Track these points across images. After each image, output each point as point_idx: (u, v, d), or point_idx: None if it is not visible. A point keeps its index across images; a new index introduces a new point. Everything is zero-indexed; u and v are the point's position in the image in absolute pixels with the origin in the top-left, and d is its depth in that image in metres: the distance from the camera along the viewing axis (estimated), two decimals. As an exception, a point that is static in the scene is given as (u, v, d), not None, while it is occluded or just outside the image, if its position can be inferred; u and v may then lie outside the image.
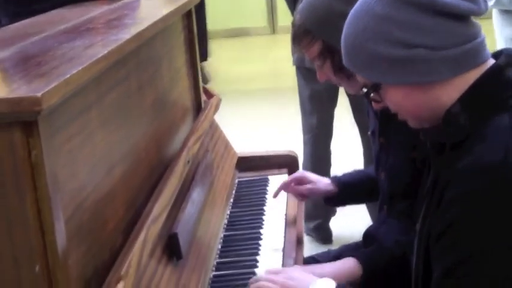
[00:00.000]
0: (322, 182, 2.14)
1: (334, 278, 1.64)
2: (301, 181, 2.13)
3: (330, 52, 1.82)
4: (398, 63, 1.32)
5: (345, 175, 2.19)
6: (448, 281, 1.28)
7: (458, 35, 1.32)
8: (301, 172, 2.21)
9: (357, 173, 2.22)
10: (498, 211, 1.22)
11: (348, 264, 1.75)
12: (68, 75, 1.15)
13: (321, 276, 1.60)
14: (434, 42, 1.31)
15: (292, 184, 2.14)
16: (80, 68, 1.20)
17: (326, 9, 1.82)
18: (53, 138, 1.16)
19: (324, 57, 1.86)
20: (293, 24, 1.92)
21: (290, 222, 2.09)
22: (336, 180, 2.14)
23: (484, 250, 1.23)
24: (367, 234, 2.09)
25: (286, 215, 2.12)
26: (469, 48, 1.32)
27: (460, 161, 1.27)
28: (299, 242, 2.01)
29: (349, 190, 2.14)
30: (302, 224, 2.16)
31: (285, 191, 2.16)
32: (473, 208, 1.24)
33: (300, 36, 1.88)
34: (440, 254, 1.30)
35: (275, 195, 2.16)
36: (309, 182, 2.13)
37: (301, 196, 2.18)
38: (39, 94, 1.05)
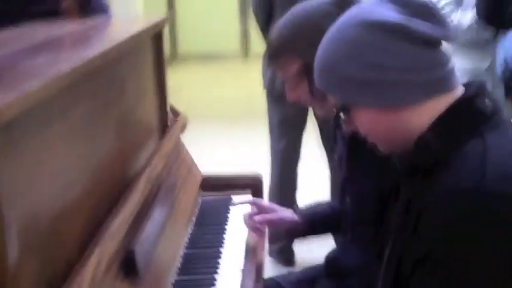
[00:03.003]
0: (285, 212, 2.10)
1: None
2: (261, 211, 2.10)
3: (308, 72, 1.74)
4: (368, 85, 1.34)
5: (307, 208, 2.17)
6: None
7: (427, 61, 1.34)
8: (260, 201, 2.17)
9: (319, 205, 2.19)
10: (476, 237, 1.23)
11: None
12: (27, 90, 1.16)
13: None
14: (402, 66, 1.33)
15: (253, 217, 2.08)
16: (40, 83, 1.21)
17: (308, 27, 1.77)
18: (9, 152, 1.16)
19: (300, 77, 1.81)
20: (270, 41, 1.86)
21: (251, 242, 2.10)
22: (299, 212, 2.12)
23: (464, 276, 1.24)
24: (329, 258, 2.09)
25: (247, 234, 2.13)
26: (438, 74, 1.35)
27: (434, 186, 1.29)
28: (259, 262, 2.01)
29: (312, 223, 2.10)
30: (263, 244, 2.16)
31: (246, 224, 2.10)
32: (450, 234, 1.24)
33: (278, 54, 1.83)
34: (419, 281, 1.30)
35: (235, 205, 2.15)
36: (270, 210, 2.10)
37: (261, 232, 2.13)
38: (-4, 106, 1.06)
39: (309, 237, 2.19)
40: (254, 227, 2.09)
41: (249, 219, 2.08)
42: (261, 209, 2.10)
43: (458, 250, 1.24)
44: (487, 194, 1.23)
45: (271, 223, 2.10)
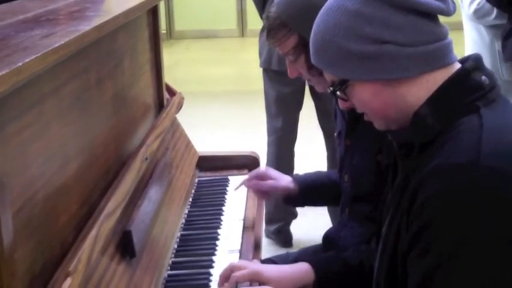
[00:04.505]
0: (284, 179, 2.10)
1: (287, 280, 1.63)
2: (263, 177, 2.09)
3: (305, 47, 1.72)
4: (367, 59, 1.32)
5: (306, 175, 2.16)
6: (426, 285, 1.26)
7: (427, 34, 1.33)
8: (263, 168, 2.16)
9: (319, 174, 2.19)
10: (470, 211, 1.21)
11: (302, 269, 1.73)
12: (20, 64, 1.11)
13: (274, 275, 1.62)
14: (403, 39, 1.31)
15: (254, 180, 2.10)
16: (33, 57, 1.16)
17: (304, 2, 1.77)
18: (3, 128, 1.13)
19: (298, 51, 1.81)
20: (268, 16, 1.86)
21: (248, 224, 2.07)
22: (298, 179, 2.11)
23: (459, 251, 1.22)
24: (327, 237, 2.08)
25: (244, 216, 2.10)
26: (437, 47, 1.33)
27: (429, 162, 1.27)
28: (257, 243, 1.99)
29: (309, 190, 2.10)
30: (261, 225, 2.13)
31: (246, 186, 2.11)
32: (445, 208, 1.22)
33: (276, 29, 1.83)
34: (416, 258, 1.28)
35: (236, 188, 2.12)
36: (271, 178, 2.09)
37: (262, 193, 2.13)
38: (-13, 82, 1.02)
39: (305, 205, 2.24)
40: (254, 189, 2.12)
41: (249, 182, 2.09)
42: (261, 177, 2.09)
43: (450, 225, 1.22)
44: (481, 169, 1.21)
45: (268, 188, 2.10)
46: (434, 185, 1.24)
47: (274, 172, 2.13)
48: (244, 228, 2.04)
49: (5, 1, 2.03)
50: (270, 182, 2.09)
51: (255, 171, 2.13)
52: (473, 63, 1.36)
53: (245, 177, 2.16)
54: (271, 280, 1.63)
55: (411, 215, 1.29)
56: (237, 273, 1.62)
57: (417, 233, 1.27)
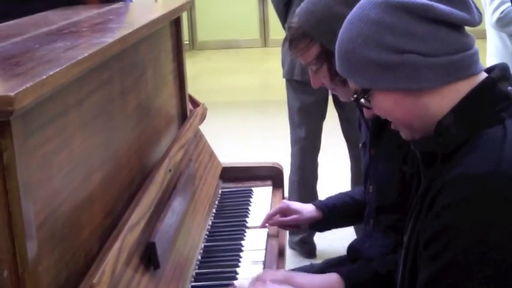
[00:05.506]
0: (307, 210, 2.09)
1: None
2: (285, 212, 2.09)
3: (327, 56, 1.77)
4: (389, 68, 1.31)
5: (328, 199, 2.15)
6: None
7: (450, 44, 1.31)
8: (284, 203, 2.14)
9: (340, 195, 2.18)
10: (486, 220, 1.21)
11: (331, 279, 1.72)
12: (44, 76, 1.12)
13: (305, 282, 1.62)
14: (425, 49, 1.30)
15: (277, 216, 2.09)
16: (57, 70, 1.17)
17: (325, 12, 1.78)
18: (27, 140, 1.13)
19: (320, 61, 1.81)
20: (290, 27, 1.87)
21: (272, 235, 2.06)
22: (320, 205, 2.11)
23: (470, 259, 1.22)
24: (352, 248, 2.07)
25: (268, 227, 2.09)
26: (461, 58, 1.32)
27: (451, 169, 1.27)
28: (281, 254, 1.98)
29: (333, 214, 2.10)
30: (284, 236, 2.13)
31: (270, 224, 2.10)
32: (462, 216, 1.22)
33: (298, 39, 1.83)
34: (426, 260, 1.28)
35: (261, 227, 2.10)
36: (294, 211, 2.08)
37: (288, 227, 2.14)
38: (12, 94, 1.02)
39: (331, 228, 2.21)
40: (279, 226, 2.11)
41: (272, 220, 2.08)
42: (284, 212, 2.09)
43: (465, 232, 1.22)
44: (501, 178, 1.21)
45: (293, 223, 2.10)
46: (454, 193, 1.24)
47: (295, 205, 2.12)
48: (268, 238, 2.03)
49: (28, 13, 2.05)
50: (293, 217, 2.08)
51: (276, 208, 2.11)
52: (499, 73, 1.34)
53: (267, 212, 2.13)
54: (303, 286, 1.63)
55: (427, 220, 1.29)
56: (271, 276, 1.63)
57: (432, 237, 1.27)
